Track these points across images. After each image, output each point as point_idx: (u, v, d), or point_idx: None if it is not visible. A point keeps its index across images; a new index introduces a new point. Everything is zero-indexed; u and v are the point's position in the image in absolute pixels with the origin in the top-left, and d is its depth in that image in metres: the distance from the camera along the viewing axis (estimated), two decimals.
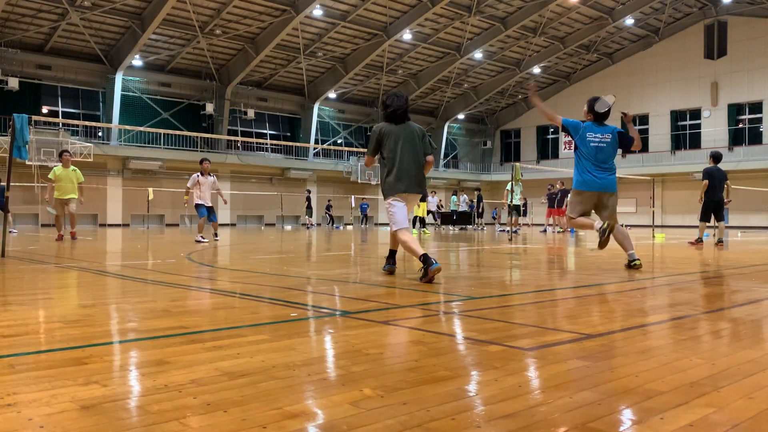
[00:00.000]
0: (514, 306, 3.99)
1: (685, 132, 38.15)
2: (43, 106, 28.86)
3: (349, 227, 30.18)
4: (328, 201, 33.26)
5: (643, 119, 39.43)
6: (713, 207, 11.81)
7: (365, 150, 6.32)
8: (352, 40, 32.34)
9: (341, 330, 3.07)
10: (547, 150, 44.08)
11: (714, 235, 12.89)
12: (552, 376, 2.14)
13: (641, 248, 10.33)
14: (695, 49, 36.89)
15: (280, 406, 1.76)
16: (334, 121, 39.20)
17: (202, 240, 12.09)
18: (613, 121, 6.60)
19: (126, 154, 29.70)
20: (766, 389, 1.98)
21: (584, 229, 6.61)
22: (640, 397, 1.87)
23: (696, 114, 37.53)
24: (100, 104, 30.42)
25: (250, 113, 34.52)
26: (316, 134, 37.15)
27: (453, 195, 28.45)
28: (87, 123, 13.20)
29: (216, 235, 13.30)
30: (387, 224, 6.83)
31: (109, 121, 29.34)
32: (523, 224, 29.14)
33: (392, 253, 5.84)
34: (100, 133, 30.20)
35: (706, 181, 11.72)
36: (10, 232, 14.18)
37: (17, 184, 22.51)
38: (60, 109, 29.61)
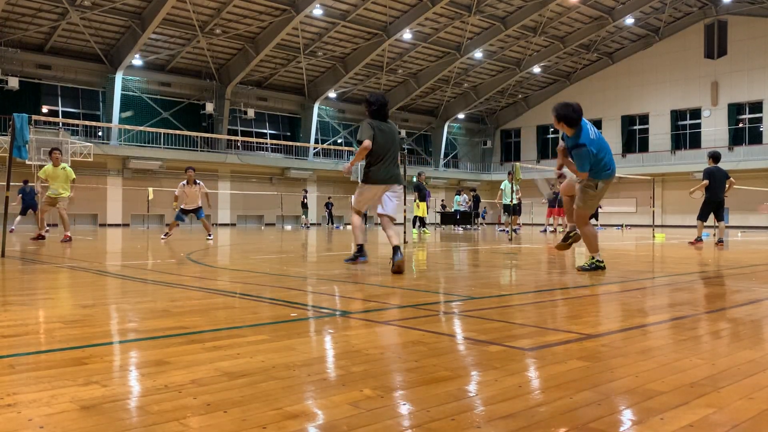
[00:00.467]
0: (514, 306, 3.99)
1: (685, 132, 38.13)
2: (43, 106, 28.86)
3: (349, 227, 30.17)
4: (329, 198, 33.21)
5: (643, 119, 39.44)
6: (714, 207, 11.80)
7: None
8: (352, 39, 32.33)
9: (341, 330, 3.07)
10: (547, 149, 44.06)
11: (714, 234, 12.89)
12: (552, 376, 2.14)
13: (641, 248, 10.32)
14: (695, 48, 36.88)
15: (280, 407, 1.76)
16: (334, 121, 39.18)
17: (165, 237, 13.41)
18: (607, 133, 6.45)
19: (126, 153, 29.70)
20: (766, 389, 1.98)
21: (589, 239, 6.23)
22: (640, 398, 1.87)
23: (696, 114, 37.51)
24: (100, 104, 30.42)
25: (250, 113, 34.50)
26: (316, 134, 37.13)
27: (456, 194, 28.45)
28: (87, 123, 13.19)
29: (210, 235, 13.52)
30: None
31: (109, 120, 29.34)
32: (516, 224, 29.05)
33: (361, 248, 6.66)
34: (100, 133, 30.20)
35: (706, 181, 11.72)
36: (10, 231, 14.17)
37: (17, 184, 22.50)
38: (60, 109, 29.62)
